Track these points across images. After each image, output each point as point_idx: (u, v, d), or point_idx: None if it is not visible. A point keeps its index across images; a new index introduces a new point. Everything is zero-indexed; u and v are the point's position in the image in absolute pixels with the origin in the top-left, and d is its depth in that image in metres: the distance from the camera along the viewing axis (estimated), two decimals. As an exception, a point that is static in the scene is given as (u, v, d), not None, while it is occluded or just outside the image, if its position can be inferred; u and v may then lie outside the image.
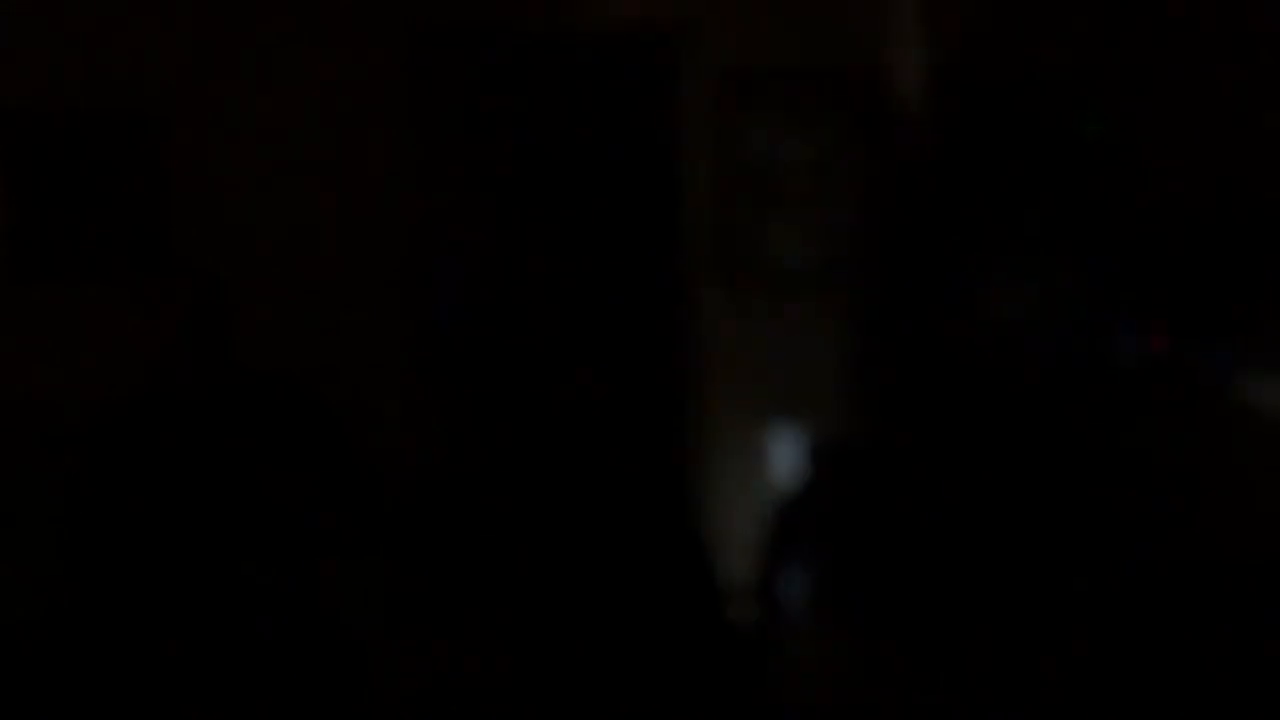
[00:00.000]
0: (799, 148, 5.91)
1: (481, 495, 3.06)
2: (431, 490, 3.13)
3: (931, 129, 5.66)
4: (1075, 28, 5.65)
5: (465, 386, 5.05)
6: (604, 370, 5.87)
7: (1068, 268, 5.67)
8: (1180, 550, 5.20)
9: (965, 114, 5.65)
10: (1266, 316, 5.50)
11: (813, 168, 5.89)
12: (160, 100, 5.67)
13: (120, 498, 2.21)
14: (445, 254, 5.69)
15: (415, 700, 2.61)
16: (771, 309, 5.78)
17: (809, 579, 5.65)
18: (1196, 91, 5.74)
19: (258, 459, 2.35)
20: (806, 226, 5.92)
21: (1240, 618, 2.69)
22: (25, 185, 5.70)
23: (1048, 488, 5.33)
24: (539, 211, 5.67)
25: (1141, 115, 5.71)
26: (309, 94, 5.71)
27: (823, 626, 5.44)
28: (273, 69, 5.73)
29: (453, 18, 5.72)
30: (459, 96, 5.77)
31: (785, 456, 5.73)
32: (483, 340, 5.61)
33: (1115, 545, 5.27)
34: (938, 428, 5.35)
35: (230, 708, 2.14)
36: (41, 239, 5.72)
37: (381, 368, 5.67)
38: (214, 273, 3.74)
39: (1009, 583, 5.34)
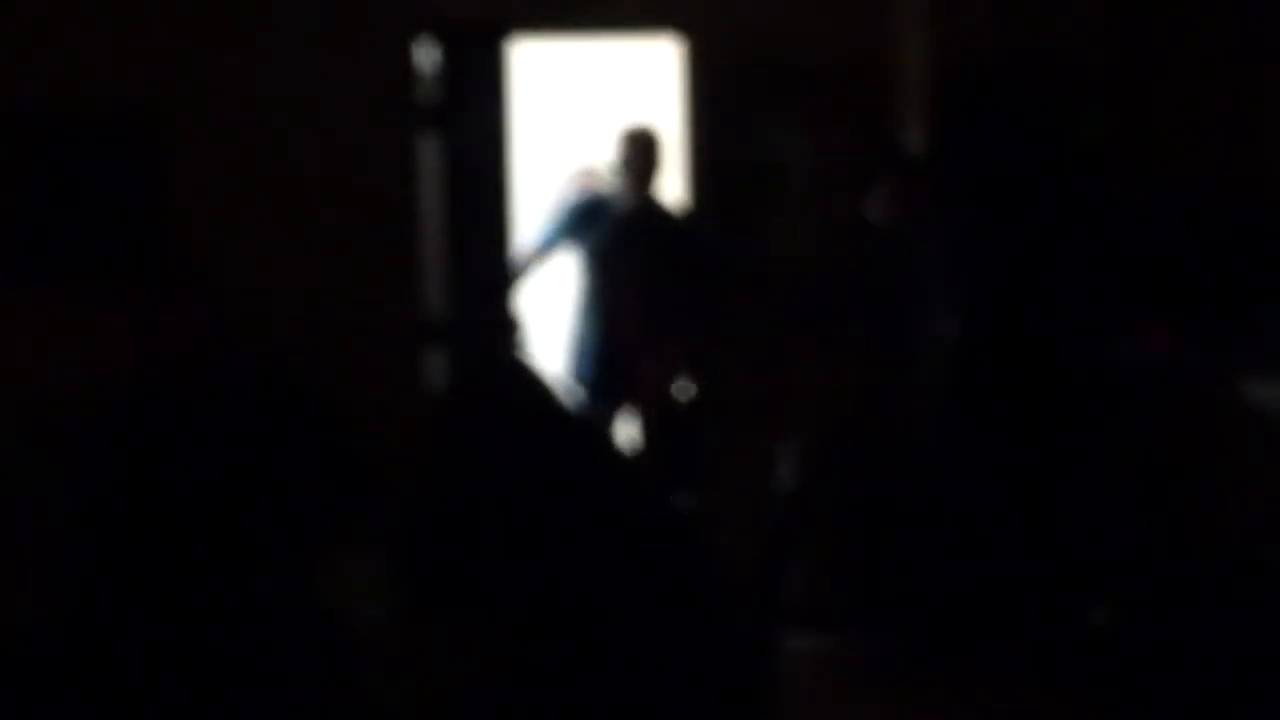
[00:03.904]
0: (799, 148, 5.91)
1: (478, 493, 3.06)
2: (429, 487, 3.13)
3: (931, 128, 5.66)
4: (1076, 27, 5.64)
5: (460, 386, 5.03)
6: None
7: (1068, 268, 5.66)
8: (1180, 548, 5.20)
9: (966, 113, 5.64)
10: (1266, 317, 5.49)
11: (813, 167, 5.89)
12: (160, 100, 5.68)
13: (120, 496, 2.21)
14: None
15: (412, 698, 2.61)
16: (773, 308, 5.77)
17: (808, 579, 5.65)
18: (1196, 91, 5.74)
19: (257, 457, 2.35)
20: (807, 226, 5.91)
21: (1240, 615, 2.69)
22: (25, 185, 5.71)
23: (1049, 486, 5.33)
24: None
25: (1142, 115, 5.71)
26: (308, 94, 5.72)
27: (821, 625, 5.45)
28: (272, 69, 5.73)
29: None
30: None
31: (786, 457, 5.73)
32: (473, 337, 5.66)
33: (1116, 542, 5.27)
34: (938, 428, 5.34)
35: (228, 705, 2.14)
36: (41, 240, 5.72)
37: (380, 366, 5.67)
38: (213, 272, 3.74)
39: (1008, 580, 5.34)
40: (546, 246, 5.91)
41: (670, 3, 5.92)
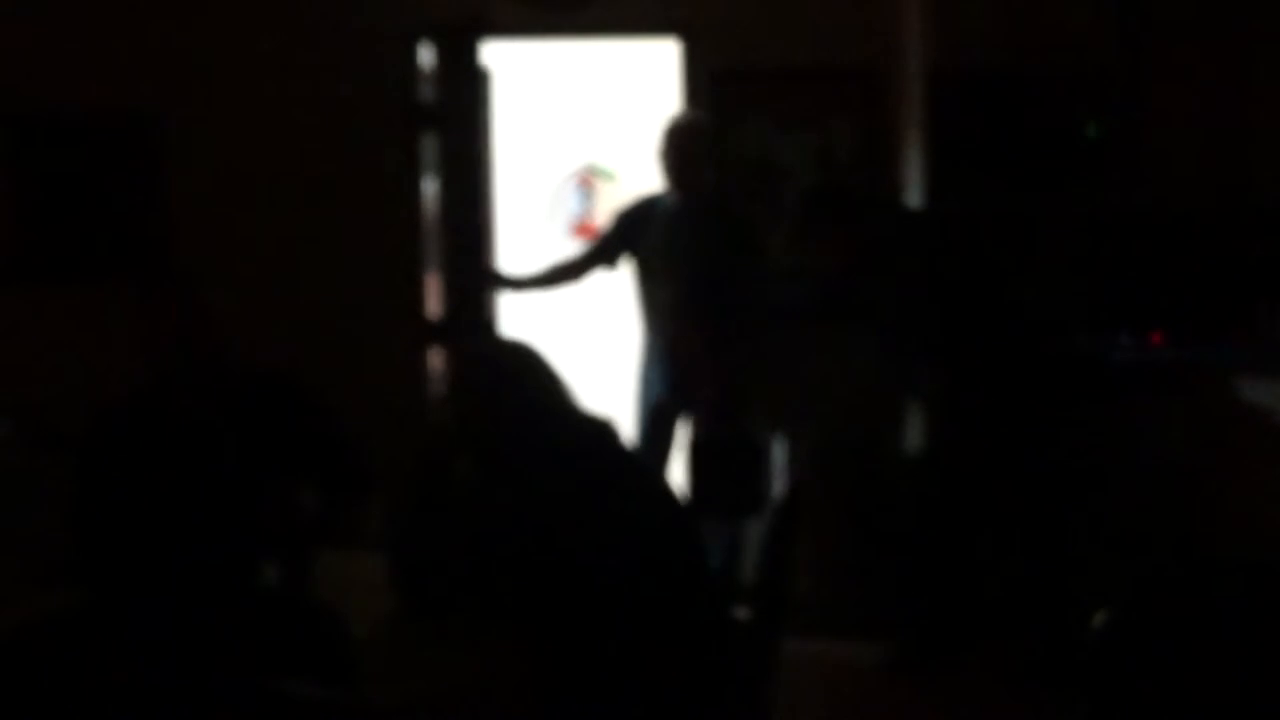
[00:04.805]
0: (799, 148, 5.91)
1: (478, 492, 3.06)
2: (429, 485, 3.13)
3: (931, 130, 5.66)
4: (1075, 30, 5.64)
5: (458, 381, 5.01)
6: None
7: (1067, 267, 5.67)
8: (1180, 548, 5.19)
9: (964, 115, 5.64)
10: (1265, 317, 5.49)
11: (812, 168, 5.89)
12: (162, 101, 5.69)
13: (118, 496, 2.21)
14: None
15: (412, 698, 2.61)
16: (772, 306, 5.76)
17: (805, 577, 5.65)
18: (1196, 92, 5.74)
19: (256, 457, 2.35)
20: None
21: (1239, 616, 2.68)
22: (25, 185, 5.71)
23: (1047, 487, 5.33)
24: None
25: (1142, 115, 5.71)
26: (310, 94, 5.72)
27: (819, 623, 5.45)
28: (275, 70, 5.73)
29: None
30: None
31: (786, 457, 5.74)
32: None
33: (1115, 543, 5.27)
34: (939, 427, 5.34)
35: (227, 705, 2.14)
36: (41, 239, 5.72)
37: (381, 364, 5.67)
38: (214, 271, 3.75)
39: (1008, 581, 5.35)
40: (590, 256, 5.63)
41: (670, 3, 5.92)
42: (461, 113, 5.57)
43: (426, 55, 5.64)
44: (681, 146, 5.31)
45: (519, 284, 5.79)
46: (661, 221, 5.34)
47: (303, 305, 5.70)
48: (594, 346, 7.27)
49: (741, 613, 3.38)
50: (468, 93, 5.57)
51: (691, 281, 5.21)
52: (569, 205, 7.84)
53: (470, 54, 5.58)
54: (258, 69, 5.71)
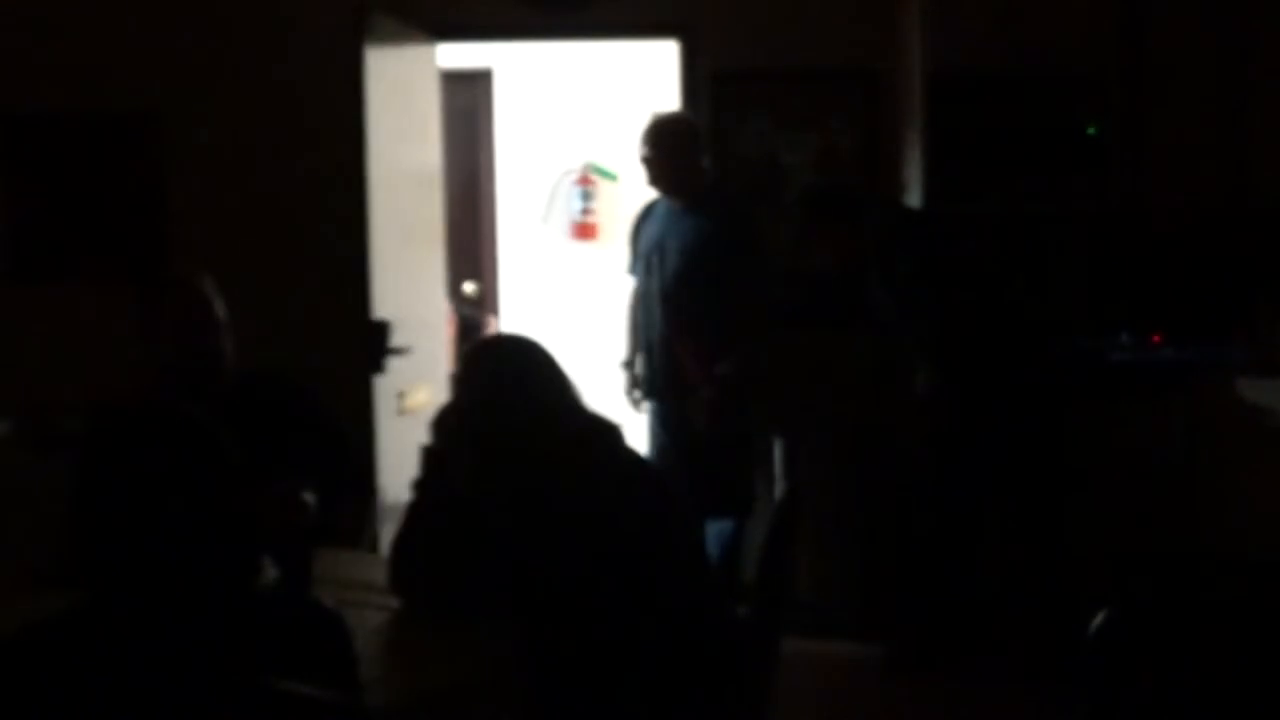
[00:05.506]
0: (799, 148, 5.91)
1: (478, 490, 3.06)
2: (428, 483, 3.13)
3: (931, 130, 5.65)
4: (1074, 31, 5.64)
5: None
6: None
7: (1067, 267, 5.67)
8: (1180, 548, 5.19)
9: (965, 116, 5.64)
10: (1265, 317, 5.49)
11: (812, 168, 5.88)
12: (160, 101, 5.69)
13: (119, 496, 2.21)
14: None
15: (412, 698, 2.61)
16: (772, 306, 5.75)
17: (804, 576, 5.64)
18: (1196, 92, 5.74)
19: (256, 456, 2.35)
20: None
21: (1238, 615, 2.68)
22: (25, 185, 5.71)
23: (1046, 484, 5.34)
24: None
25: (1142, 115, 5.71)
26: (308, 95, 5.72)
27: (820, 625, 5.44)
28: (271, 70, 5.73)
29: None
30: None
31: (786, 457, 5.73)
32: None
33: (1114, 541, 5.28)
34: (938, 427, 5.34)
35: (226, 705, 2.14)
36: (42, 239, 5.73)
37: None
38: (210, 271, 3.74)
39: (1007, 580, 5.35)
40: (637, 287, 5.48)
41: (670, 3, 5.92)
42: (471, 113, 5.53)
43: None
44: (657, 148, 5.26)
45: (634, 359, 5.55)
46: (656, 221, 5.34)
47: (303, 304, 5.70)
48: (599, 345, 7.27)
49: (741, 612, 3.38)
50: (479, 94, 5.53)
51: (677, 279, 5.20)
52: (569, 205, 7.84)
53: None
54: (258, 69, 5.72)
